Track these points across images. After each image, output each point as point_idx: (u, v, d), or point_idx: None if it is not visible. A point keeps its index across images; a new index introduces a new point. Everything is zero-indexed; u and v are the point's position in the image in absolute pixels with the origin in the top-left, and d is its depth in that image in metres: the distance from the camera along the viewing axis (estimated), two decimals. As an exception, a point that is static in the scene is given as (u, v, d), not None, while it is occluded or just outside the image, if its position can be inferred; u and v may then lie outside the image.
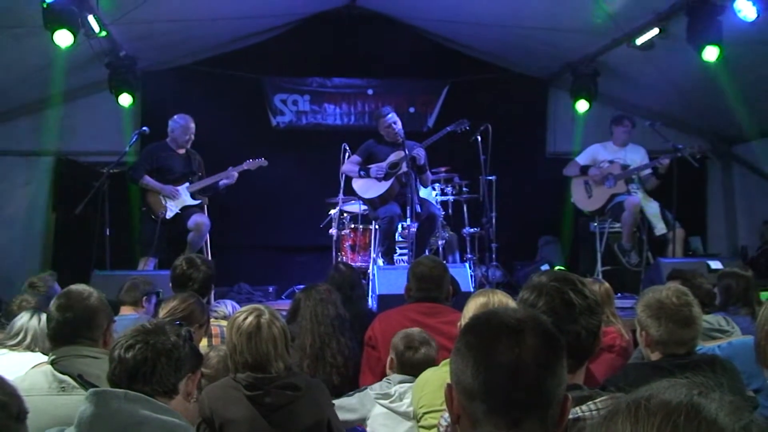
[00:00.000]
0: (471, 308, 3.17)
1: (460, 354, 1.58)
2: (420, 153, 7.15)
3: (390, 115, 7.32)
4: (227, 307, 5.16)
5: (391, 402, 3.45)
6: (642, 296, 2.99)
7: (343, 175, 7.65)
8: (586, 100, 9.06)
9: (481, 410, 1.52)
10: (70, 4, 6.30)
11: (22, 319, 3.69)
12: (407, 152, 7.00)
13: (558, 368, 1.55)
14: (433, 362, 3.57)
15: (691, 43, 6.73)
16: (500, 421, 1.50)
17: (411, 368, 3.56)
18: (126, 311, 4.75)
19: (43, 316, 3.64)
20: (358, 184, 7.42)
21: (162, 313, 3.72)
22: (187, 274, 4.55)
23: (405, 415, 3.43)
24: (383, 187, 7.28)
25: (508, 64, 10.07)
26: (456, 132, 7.40)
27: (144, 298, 4.88)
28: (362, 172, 7.36)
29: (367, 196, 7.39)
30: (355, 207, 8.04)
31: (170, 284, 4.73)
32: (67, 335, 2.95)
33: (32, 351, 3.59)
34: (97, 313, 3.04)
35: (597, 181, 7.77)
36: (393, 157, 7.28)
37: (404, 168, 7.10)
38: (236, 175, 7.42)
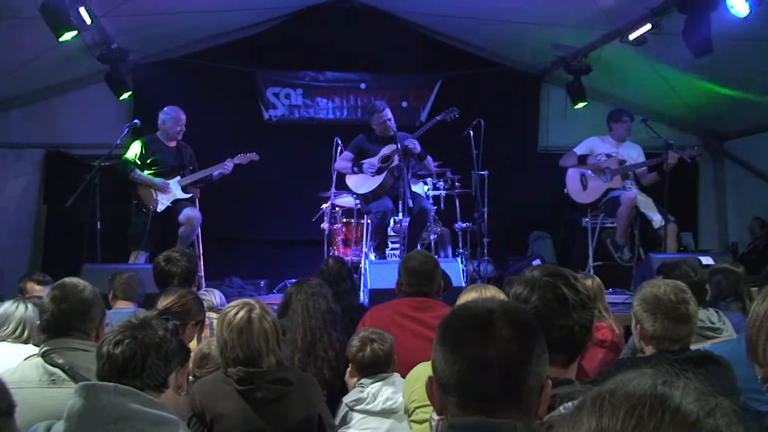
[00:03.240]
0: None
1: (436, 349, 1.63)
2: (413, 143, 7.13)
3: (386, 111, 7.32)
4: (215, 297, 5.13)
5: (366, 405, 3.45)
6: (639, 289, 2.98)
7: (336, 172, 7.64)
8: (579, 95, 9.10)
9: (453, 403, 1.57)
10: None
11: (18, 310, 3.63)
12: (398, 145, 7.00)
13: (531, 357, 1.58)
14: (385, 357, 3.58)
15: (686, 40, 6.73)
16: (475, 414, 1.54)
17: (367, 368, 3.56)
18: (121, 305, 4.71)
19: (30, 305, 3.62)
20: (351, 180, 7.42)
21: (159, 305, 3.70)
22: (166, 270, 4.53)
23: (383, 413, 3.43)
24: (376, 181, 7.27)
25: (501, 58, 10.07)
26: (446, 120, 7.35)
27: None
28: (355, 168, 7.34)
29: (360, 191, 7.38)
30: (348, 201, 8.03)
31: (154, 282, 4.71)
32: (60, 327, 2.94)
33: (26, 344, 3.57)
34: (91, 306, 3.03)
35: (594, 172, 7.77)
36: (385, 150, 7.27)
37: (396, 161, 7.09)
38: (231, 165, 7.38)
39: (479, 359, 1.55)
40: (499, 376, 1.54)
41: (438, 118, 7.36)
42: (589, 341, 2.13)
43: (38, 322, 3.56)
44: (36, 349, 3.36)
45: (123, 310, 4.50)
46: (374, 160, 7.29)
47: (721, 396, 0.93)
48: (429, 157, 7.48)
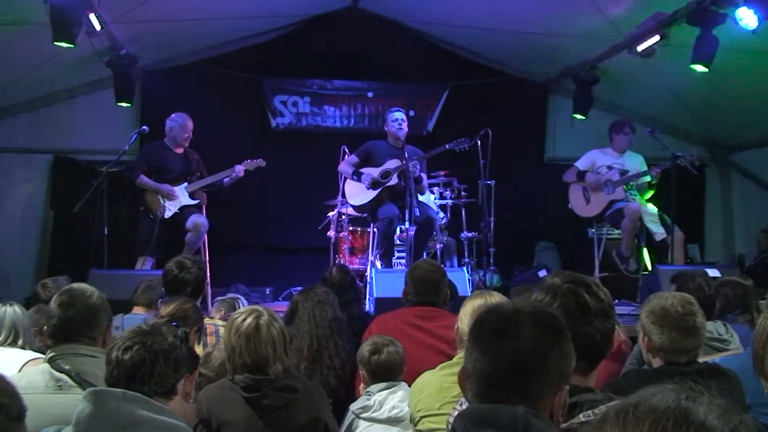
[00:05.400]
0: (468, 310, 3.17)
1: (467, 340, 1.76)
2: (416, 166, 7.10)
3: (395, 114, 7.38)
4: (242, 303, 5.22)
5: (372, 412, 3.43)
6: (647, 301, 2.98)
7: (341, 175, 7.63)
8: (585, 106, 9.11)
9: (471, 389, 1.68)
10: (73, 2, 6.30)
11: (7, 313, 3.60)
12: (404, 162, 7.01)
13: (547, 357, 1.65)
14: (400, 361, 3.57)
15: (695, 53, 6.74)
16: (483, 401, 1.64)
17: (381, 372, 3.55)
18: (138, 311, 4.72)
19: (17, 307, 3.62)
20: (348, 188, 7.43)
21: (162, 314, 3.72)
22: (179, 278, 4.51)
23: (389, 421, 3.41)
24: (369, 196, 7.27)
25: (508, 68, 10.08)
26: (455, 150, 7.31)
27: (159, 300, 4.84)
28: (354, 177, 7.34)
29: (353, 201, 7.43)
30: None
31: (163, 289, 4.70)
32: (67, 333, 2.93)
33: (24, 349, 3.56)
34: (98, 312, 3.03)
35: (594, 188, 7.75)
36: (388, 164, 7.26)
37: (394, 180, 7.12)
38: (241, 170, 7.38)
39: (494, 350, 1.64)
40: (510, 368, 1.62)
41: (447, 146, 7.25)
42: (609, 349, 2.12)
43: (28, 321, 3.59)
44: (34, 354, 3.38)
45: (137, 316, 4.52)
46: (375, 173, 7.28)
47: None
48: (424, 182, 7.47)
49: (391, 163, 7.25)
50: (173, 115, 7.46)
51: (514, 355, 1.62)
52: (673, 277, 4.86)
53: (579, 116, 9.22)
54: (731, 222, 10.50)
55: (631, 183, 7.70)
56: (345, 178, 7.56)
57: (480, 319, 1.75)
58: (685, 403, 0.92)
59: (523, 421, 1.51)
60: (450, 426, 1.69)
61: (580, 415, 1.77)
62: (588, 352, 2.05)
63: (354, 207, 7.53)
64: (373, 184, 7.24)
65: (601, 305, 2.08)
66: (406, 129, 7.37)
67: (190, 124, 7.44)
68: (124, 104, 8.55)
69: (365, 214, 7.62)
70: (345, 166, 7.49)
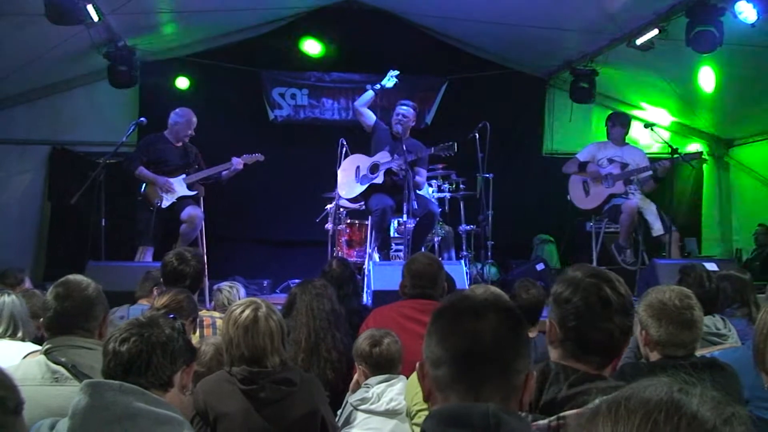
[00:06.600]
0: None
1: (429, 333, 1.68)
2: (400, 168, 7.05)
3: (399, 107, 7.34)
4: (239, 291, 5.17)
5: (370, 404, 3.42)
6: (645, 295, 2.96)
7: (361, 106, 7.58)
8: (584, 99, 9.10)
9: (446, 375, 1.61)
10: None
11: (4, 305, 3.59)
12: (394, 157, 7.00)
13: (520, 341, 1.64)
14: (400, 351, 3.55)
15: (691, 45, 6.73)
16: (461, 386, 1.59)
17: (384, 364, 3.53)
18: (142, 303, 4.72)
19: (15, 296, 3.61)
20: (340, 179, 7.44)
21: (156, 305, 3.71)
22: (179, 270, 4.50)
23: (387, 414, 3.40)
24: (357, 190, 7.29)
25: (507, 61, 10.08)
26: (440, 155, 7.21)
27: (155, 287, 4.84)
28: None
29: (342, 194, 7.47)
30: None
31: (161, 280, 4.70)
32: (63, 325, 2.91)
33: (24, 341, 3.55)
34: (95, 304, 3.01)
35: (595, 179, 7.74)
36: (379, 156, 7.24)
37: (380, 179, 7.10)
38: (239, 163, 7.36)
39: (475, 329, 1.61)
40: (490, 348, 1.60)
41: (432, 150, 7.11)
42: (625, 347, 2.10)
43: (26, 311, 3.58)
44: (34, 347, 3.36)
45: (138, 307, 4.52)
46: (367, 165, 7.28)
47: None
48: (419, 173, 7.29)
49: (382, 156, 7.22)
50: (178, 110, 7.40)
51: (494, 334, 1.61)
52: (680, 269, 4.85)
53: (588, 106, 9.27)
54: (729, 216, 10.50)
55: (632, 178, 7.69)
56: (342, 159, 7.59)
57: (450, 304, 1.71)
58: (677, 395, 0.91)
59: (494, 418, 1.49)
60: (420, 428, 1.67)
61: (597, 400, 1.78)
62: (605, 348, 2.03)
63: (347, 199, 7.53)
64: (362, 179, 7.25)
65: (622, 301, 2.04)
66: (409, 124, 7.28)
67: (195, 121, 7.40)
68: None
69: (361, 206, 7.62)
70: (366, 100, 7.54)
